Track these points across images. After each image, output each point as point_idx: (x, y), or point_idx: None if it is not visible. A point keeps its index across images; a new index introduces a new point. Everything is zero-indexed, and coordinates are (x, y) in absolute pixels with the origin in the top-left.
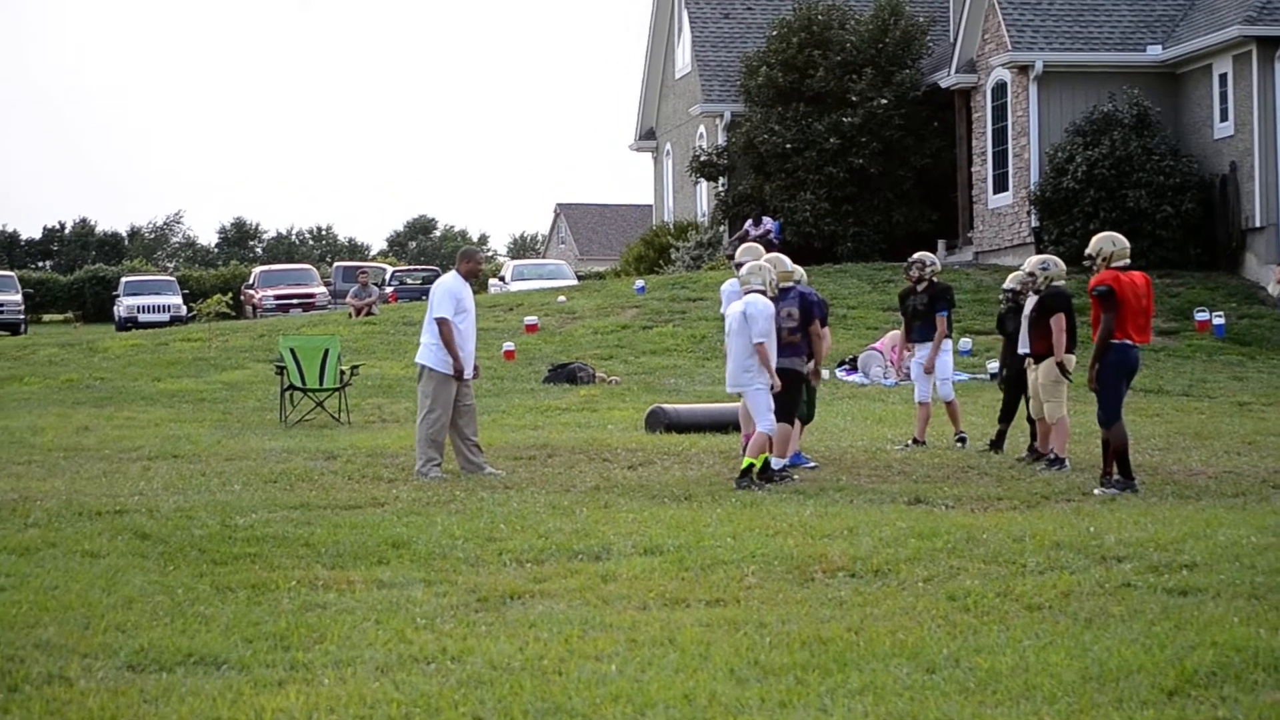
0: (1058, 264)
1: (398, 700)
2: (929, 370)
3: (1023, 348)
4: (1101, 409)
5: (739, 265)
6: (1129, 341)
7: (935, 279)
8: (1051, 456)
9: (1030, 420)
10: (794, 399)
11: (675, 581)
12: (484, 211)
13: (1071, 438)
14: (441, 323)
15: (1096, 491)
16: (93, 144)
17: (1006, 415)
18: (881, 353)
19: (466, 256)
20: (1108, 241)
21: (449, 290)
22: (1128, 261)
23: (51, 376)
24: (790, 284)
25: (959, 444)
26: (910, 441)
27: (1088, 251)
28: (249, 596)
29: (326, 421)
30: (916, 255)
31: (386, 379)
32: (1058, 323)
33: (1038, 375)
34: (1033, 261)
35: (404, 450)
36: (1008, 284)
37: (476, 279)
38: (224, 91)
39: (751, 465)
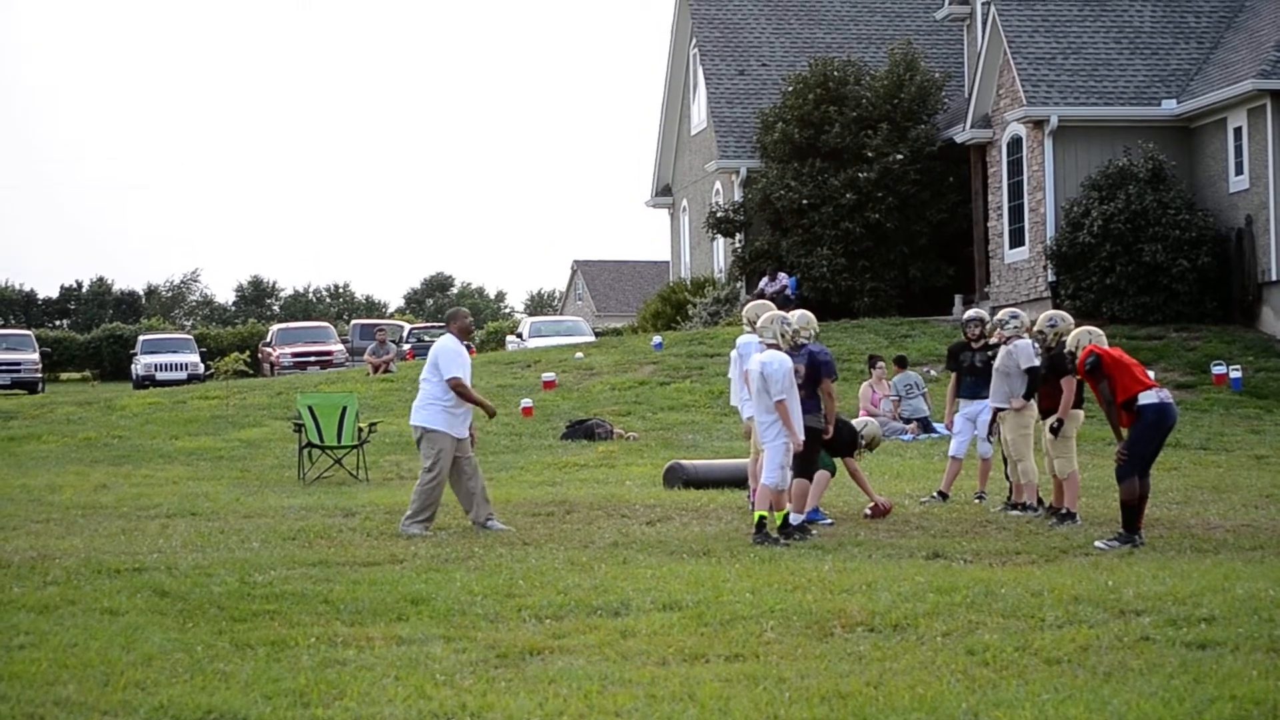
0: (1065, 319)
1: None
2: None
3: (994, 400)
4: (1121, 461)
5: (751, 322)
6: (1167, 400)
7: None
8: (1063, 511)
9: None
10: (813, 455)
11: (694, 637)
12: (501, 268)
13: (1090, 492)
14: (457, 384)
15: (1098, 544)
16: (110, 203)
17: None
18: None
19: (456, 317)
20: (1059, 318)
21: (456, 352)
22: None
23: (69, 435)
24: (802, 341)
25: (977, 499)
26: (935, 494)
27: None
28: (268, 653)
29: (345, 479)
30: (973, 312)
31: (404, 436)
32: (1068, 384)
33: (1045, 433)
34: (1042, 319)
35: None
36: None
37: (470, 336)
38: (241, 152)
39: (764, 518)
